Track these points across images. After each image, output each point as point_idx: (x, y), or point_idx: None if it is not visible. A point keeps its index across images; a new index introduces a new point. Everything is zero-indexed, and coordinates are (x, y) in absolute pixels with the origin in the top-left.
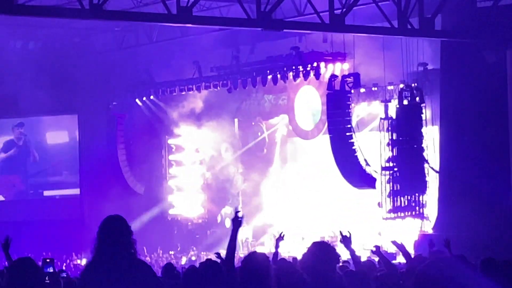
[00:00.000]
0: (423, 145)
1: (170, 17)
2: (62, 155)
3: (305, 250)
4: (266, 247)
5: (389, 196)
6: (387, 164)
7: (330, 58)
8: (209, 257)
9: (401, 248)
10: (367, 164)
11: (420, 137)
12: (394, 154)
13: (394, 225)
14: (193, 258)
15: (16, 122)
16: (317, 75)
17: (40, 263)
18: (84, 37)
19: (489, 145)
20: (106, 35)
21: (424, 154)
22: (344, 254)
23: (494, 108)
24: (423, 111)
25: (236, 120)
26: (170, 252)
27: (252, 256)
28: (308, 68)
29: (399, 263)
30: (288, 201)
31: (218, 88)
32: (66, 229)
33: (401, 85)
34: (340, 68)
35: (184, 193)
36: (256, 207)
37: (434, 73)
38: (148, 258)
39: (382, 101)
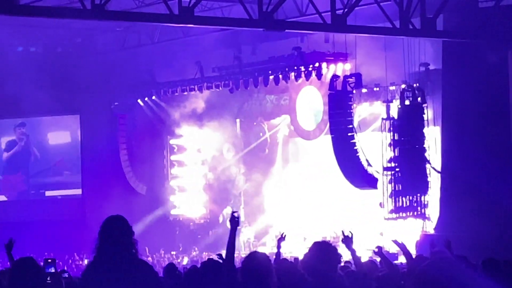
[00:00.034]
0: (424, 146)
1: (172, 18)
2: (64, 155)
3: (307, 250)
4: (268, 247)
5: (390, 196)
6: (389, 165)
7: (332, 58)
8: (211, 257)
9: (402, 247)
10: (369, 164)
11: (421, 137)
12: (396, 154)
13: (396, 226)
14: (195, 258)
15: (17, 122)
16: (319, 76)
17: (41, 263)
18: (86, 37)
19: (491, 145)
20: (108, 35)
21: (426, 154)
22: (346, 254)
23: (496, 108)
24: (425, 111)
25: (238, 120)
26: (172, 253)
27: (253, 256)
28: (310, 69)
29: (401, 263)
30: (289, 202)
31: (220, 88)
32: (68, 229)
33: (403, 85)
34: (341, 69)
35: (186, 194)
36: (258, 207)
37: (435, 73)
38: (150, 259)
39: (383, 102)
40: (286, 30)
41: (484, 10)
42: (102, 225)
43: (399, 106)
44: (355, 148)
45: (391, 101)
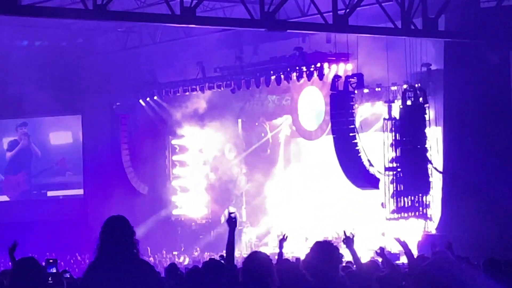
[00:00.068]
0: (426, 146)
1: (174, 18)
2: (66, 155)
3: (308, 250)
4: (269, 247)
5: (392, 196)
6: (391, 165)
7: (334, 58)
8: (212, 257)
9: (404, 245)
10: (371, 164)
11: (423, 137)
12: (398, 154)
13: (398, 226)
14: (197, 258)
15: (19, 122)
16: (321, 76)
17: (43, 264)
18: (87, 37)
19: (493, 146)
20: (110, 35)
21: (428, 154)
22: (347, 255)
23: (498, 108)
24: (427, 111)
25: (239, 120)
26: (174, 253)
27: (254, 256)
28: (312, 69)
29: (403, 263)
30: (291, 202)
31: (222, 88)
32: (70, 229)
33: (405, 86)
34: (343, 69)
35: (188, 194)
36: (260, 207)
37: (437, 74)
38: (151, 259)
39: (385, 102)
40: (288, 31)
41: (486, 11)
42: (103, 226)
43: (401, 106)
44: (356, 148)
45: (393, 101)
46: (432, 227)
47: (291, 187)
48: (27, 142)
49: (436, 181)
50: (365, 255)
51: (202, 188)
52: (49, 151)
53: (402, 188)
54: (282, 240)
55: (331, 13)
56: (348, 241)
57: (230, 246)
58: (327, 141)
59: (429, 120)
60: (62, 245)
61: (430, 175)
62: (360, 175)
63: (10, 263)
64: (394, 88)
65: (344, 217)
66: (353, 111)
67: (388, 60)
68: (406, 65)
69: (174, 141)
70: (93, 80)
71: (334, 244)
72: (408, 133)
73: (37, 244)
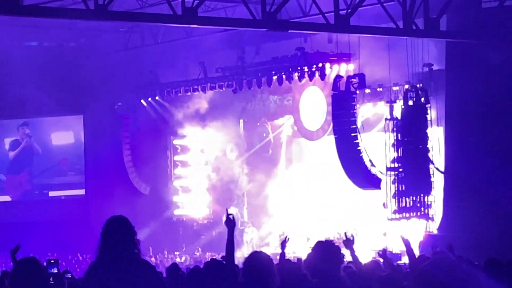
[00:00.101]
0: (428, 146)
1: (175, 18)
2: (68, 155)
3: (310, 250)
4: (271, 248)
5: (394, 196)
6: (392, 165)
7: (335, 58)
8: (214, 257)
9: (406, 244)
10: (372, 164)
11: (425, 137)
12: (399, 154)
13: (399, 226)
14: (198, 258)
15: (20, 122)
16: (322, 76)
17: (44, 264)
18: (89, 38)
19: (494, 146)
20: (111, 35)
21: (429, 154)
22: (348, 255)
23: (499, 108)
24: (428, 111)
25: (241, 120)
26: (176, 253)
27: (255, 256)
28: (313, 69)
29: (404, 263)
30: (293, 202)
31: (223, 88)
32: (71, 230)
33: (406, 86)
34: (345, 69)
35: (189, 194)
36: (261, 208)
37: (439, 74)
38: (153, 259)
39: (387, 102)
40: (290, 31)
41: (488, 11)
42: (104, 226)
43: (403, 107)
44: (358, 148)
45: (395, 102)
46: (434, 227)
47: (292, 187)
48: (29, 142)
49: (438, 181)
50: (367, 255)
51: (204, 188)
52: (50, 151)
53: (403, 188)
54: (284, 242)
55: (332, 13)
56: (348, 242)
57: (230, 245)
58: (329, 141)
59: (430, 120)
60: (63, 245)
61: (431, 175)
62: (361, 175)
63: (11, 264)
64: (395, 88)
65: (346, 217)
66: (354, 111)
67: (389, 60)
68: (408, 65)
69: (175, 141)
70: (95, 80)
71: (336, 244)
72: (409, 133)
73: (39, 244)
